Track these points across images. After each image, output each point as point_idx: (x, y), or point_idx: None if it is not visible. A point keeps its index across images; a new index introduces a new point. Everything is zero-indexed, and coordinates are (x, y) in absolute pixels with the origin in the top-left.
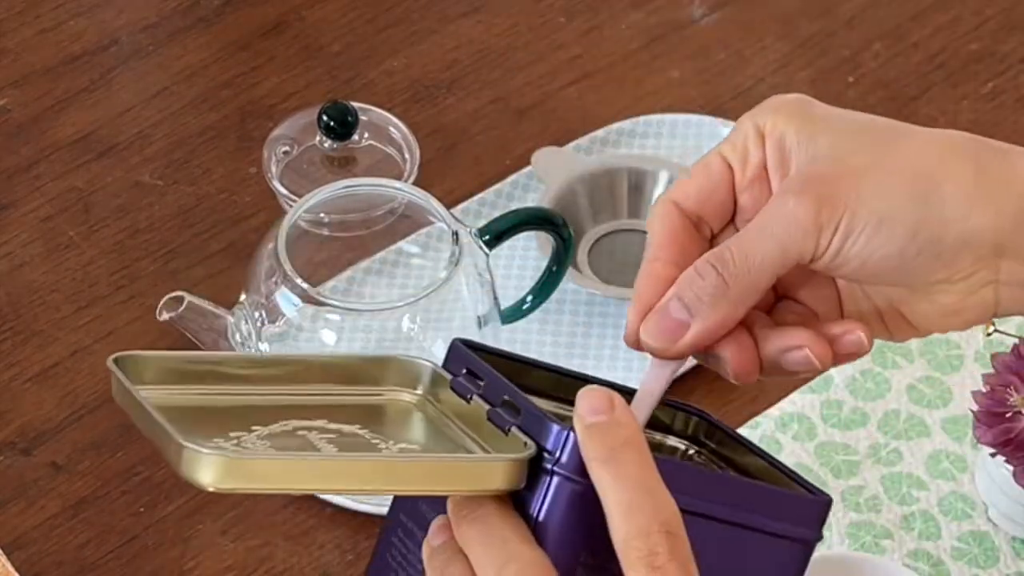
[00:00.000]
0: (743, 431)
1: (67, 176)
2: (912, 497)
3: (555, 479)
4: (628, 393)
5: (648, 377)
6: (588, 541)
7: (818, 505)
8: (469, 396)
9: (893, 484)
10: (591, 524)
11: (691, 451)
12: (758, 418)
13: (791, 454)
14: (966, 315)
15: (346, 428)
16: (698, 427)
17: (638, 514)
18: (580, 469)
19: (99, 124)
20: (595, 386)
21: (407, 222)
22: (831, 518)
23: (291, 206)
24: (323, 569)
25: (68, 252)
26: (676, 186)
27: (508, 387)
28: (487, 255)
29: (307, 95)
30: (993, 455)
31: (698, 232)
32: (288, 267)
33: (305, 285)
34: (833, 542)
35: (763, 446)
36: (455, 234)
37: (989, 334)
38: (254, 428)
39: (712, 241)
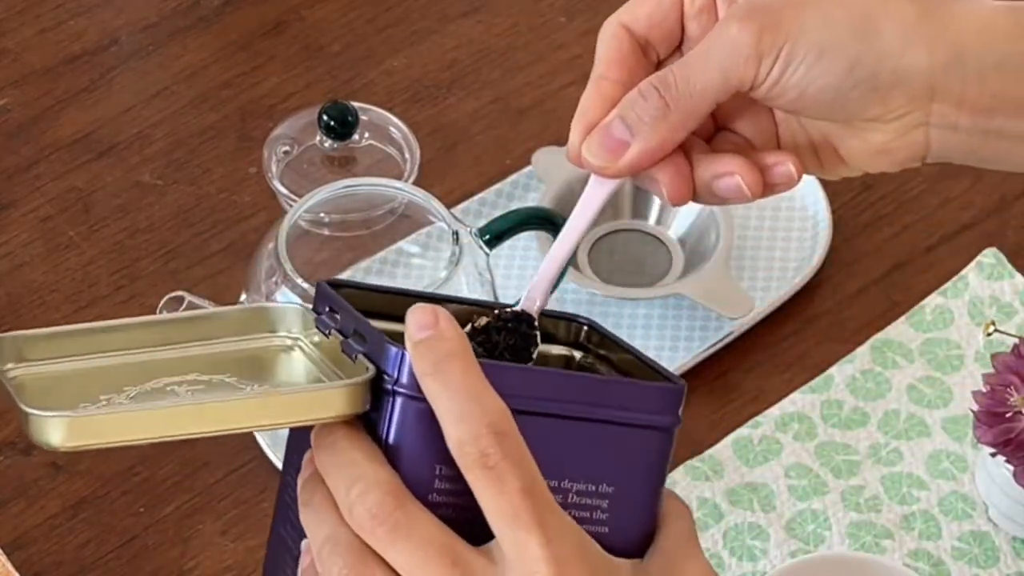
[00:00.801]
0: (743, 431)
1: (67, 176)
2: (912, 497)
3: (397, 399)
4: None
5: (585, 195)
6: (441, 454)
7: (670, 392)
8: (328, 332)
9: (893, 484)
10: (439, 437)
11: (577, 355)
12: (758, 418)
13: (791, 454)
14: (896, 155)
15: (215, 378)
16: (582, 334)
17: (468, 419)
18: (419, 387)
19: (99, 124)
20: (421, 303)
21: (407, 222)
22: (831, 518)
23: (291, 206)
24: None
25: (68, 252)
26: (626, 9)
27: (357, 318)
28: (487, 255)
29: (307, 95)
30: (993, 455)
31: (645, 57)
32: (288, 267)
33: (305, 285)
34: (833, 542)
35: (763, 446)
36: (455, 234)
37: (989, 334)
38: (125, 389)
39: (658, 67)
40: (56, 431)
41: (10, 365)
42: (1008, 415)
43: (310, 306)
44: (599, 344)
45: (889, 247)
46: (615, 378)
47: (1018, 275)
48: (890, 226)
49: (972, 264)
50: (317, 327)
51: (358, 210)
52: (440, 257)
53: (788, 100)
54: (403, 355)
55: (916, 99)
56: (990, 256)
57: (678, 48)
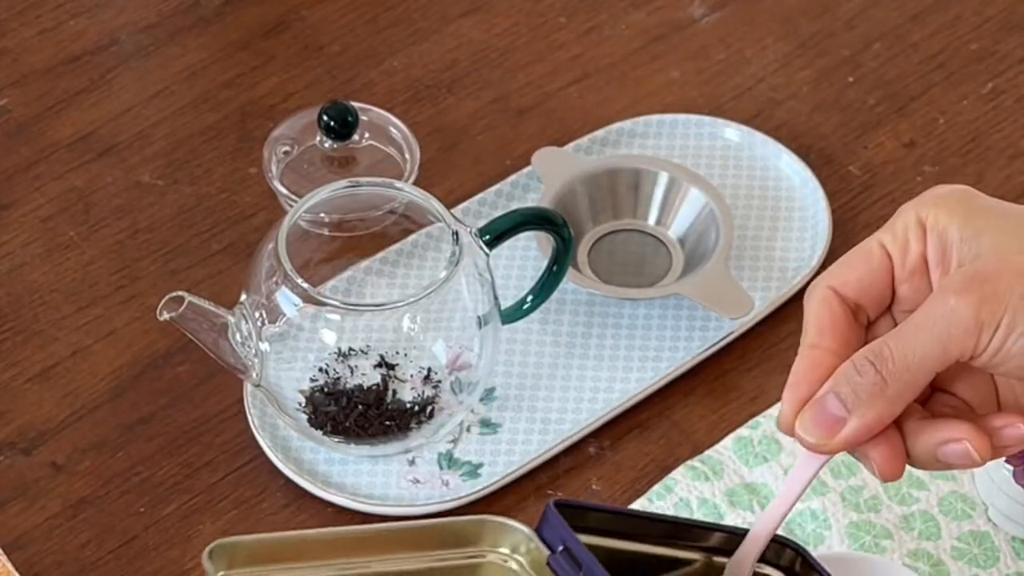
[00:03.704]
0: (743, 431)
1: (67, 176)
2: (912, 497)
3: None
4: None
5: (797, 469)
6: None
7: None
8: None
9: (893, 484)
10: None
11: None
12: (758, 418)
13: (791, 454)
14: None
15: None
16: (794, 560)
17: None
18: None
19: (99, 124)
20: None
21: (407, 222)
22: (831, 518)
23: (291, 206)
24: None
25: (68, 252)
26: (835, 272)
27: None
28: (487, 255)
29: (307, 95)
30: None
31: (855, 320)
32: (288, 267)
33: (305, 285)
34: (833, 542)
35: (763, 446)
36: (455, 234)
37: None
38: None
39: (868, 328)
40: None
41: (222, 573)
42: None
43: (528, 529)
44: (806, 570)
45: None
46: None
47: None
48: None
49: None
50: (551, 567)
51: (358, 210)
52: (440, 257)
53: (1012, 367)
54: None
55: None
56: None
57: (887, 310)
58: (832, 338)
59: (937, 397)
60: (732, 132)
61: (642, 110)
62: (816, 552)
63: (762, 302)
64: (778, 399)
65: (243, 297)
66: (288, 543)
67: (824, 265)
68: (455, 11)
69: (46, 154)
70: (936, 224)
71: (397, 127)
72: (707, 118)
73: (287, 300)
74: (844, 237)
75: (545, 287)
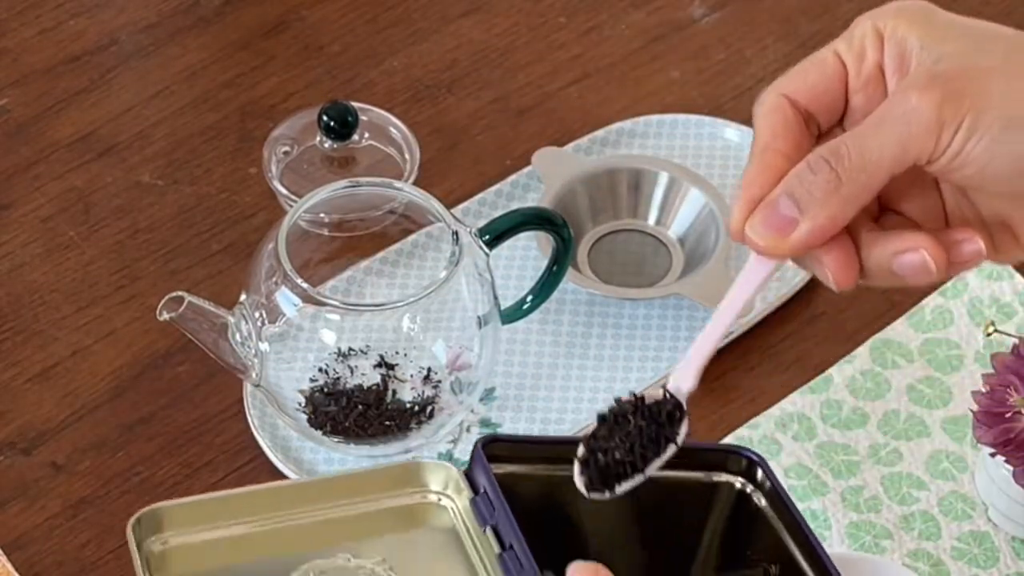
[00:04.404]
0: (743, 431)
1: (67, 176)
2: (912, 497)
3: None
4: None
5: (744, 275)
6: None
7: None
8: (484, 527)
9: (893, 484)
10: None
11: (748, 488)
12: (758, 418)
13: (791, 454)
14: None
15: (368, 565)
16: (751, 467)
17: None
18: None
19: (99, 124)
20: (580, 563)
21: (407, 222)
22: (831, 518)
23: (291, 206)
24: None
25: (68, 252)
26: (787, 79)
27: (516, 533)
28: (487, 255)
29: (307, 95)
30: (993, 455)
31: (807, 129)
32: (288, 267)
33: (305, 285)
34: (833, 542)
35: (763, 447)
36: (455, 234)
37: (989, 334)
38: None
39: (819, 140)
40: None
41: (153, 537)
42: (1008, 415)
43: (457, 470)
44: (763, 478)
45: None
46: None
47: (1018, 276)
48: None
49: None
50: (473, 507)
51: (358, 210)
52: (440, 257)
53: (968, 174)
54: None
55: None
56: None
57: (839, 122)
58: (785, 141)
59: (885, 216)
60: (732, 132)
61: (642, 110)
62: None
63: (762, 302)
64: (778, 399)
65: (243, 297)
66: (224, 501)
67: None
68: (455, 11)
69: (46, 154)
70: (895, 33)
71: (397, 127)
72: (707, 118)
73: (287, 300)
74: None
75: (545, 287)
